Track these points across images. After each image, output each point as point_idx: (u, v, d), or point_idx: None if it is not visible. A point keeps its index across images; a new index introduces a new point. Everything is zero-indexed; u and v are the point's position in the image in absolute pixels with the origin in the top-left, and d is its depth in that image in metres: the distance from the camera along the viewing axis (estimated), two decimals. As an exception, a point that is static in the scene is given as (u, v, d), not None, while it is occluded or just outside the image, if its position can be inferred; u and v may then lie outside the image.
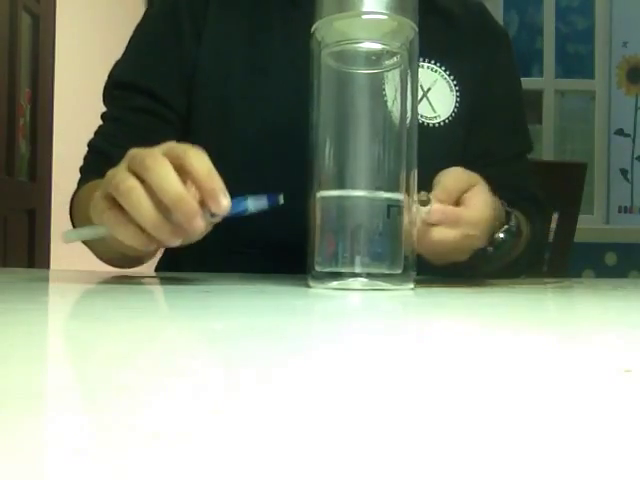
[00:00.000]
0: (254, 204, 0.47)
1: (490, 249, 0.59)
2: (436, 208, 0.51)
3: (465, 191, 0.54)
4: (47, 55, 2.28)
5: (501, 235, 0.60)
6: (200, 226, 0.45)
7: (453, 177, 0.54)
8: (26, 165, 2.21)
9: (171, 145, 0.47)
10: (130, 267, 0.68)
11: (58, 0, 2.29)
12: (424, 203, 0.51)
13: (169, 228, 0.44)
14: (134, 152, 0.46)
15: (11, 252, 2.07)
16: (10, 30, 2.02)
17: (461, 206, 0.53)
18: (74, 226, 0.70)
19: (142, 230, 0.44)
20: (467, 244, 0.54)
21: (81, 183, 0.71)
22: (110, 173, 0.46)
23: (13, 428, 0.13)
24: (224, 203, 0.44)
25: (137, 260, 0.64)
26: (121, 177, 0.45)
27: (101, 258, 0.67)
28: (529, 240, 0.69)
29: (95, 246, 0.64)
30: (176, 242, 0.46)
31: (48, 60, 2.29)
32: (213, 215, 0.45)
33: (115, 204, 0.45)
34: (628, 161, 2.85)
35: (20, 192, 2.15)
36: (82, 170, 0.74)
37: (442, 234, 0.52)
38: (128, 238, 0.45)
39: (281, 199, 0.48)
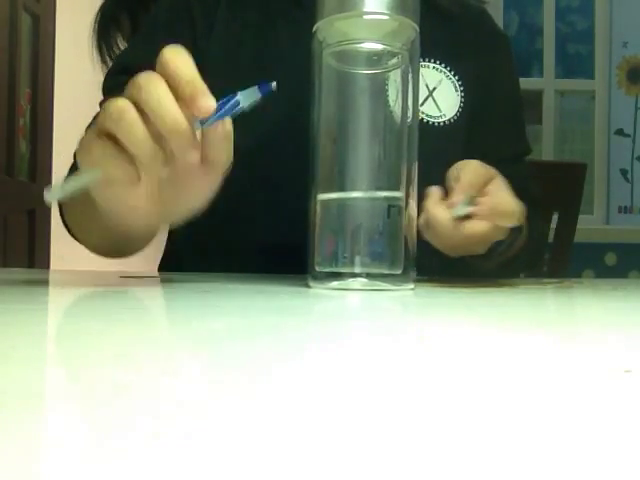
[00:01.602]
0: (245, 96, 0.43)
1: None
2: (484, 201, 0.51)
3: (486, 184, 0.54)
4: (47, 55, 2.28)
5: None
6: (195, 159, 0.41)
7: (474, 171, 0.53)
8: (26, 165, 2.21)
9: (161, 55, 0.42)
10: (123, 255, 0.65)
11: (58, 0, 2.29)
12: (473, 200, 0.51)
13: (162, 157, 0.41)
14: (132, 79, 0.43)
15: (11, 252, 2.07)
16: (10, 30, 2.02)
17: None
18: (66, 226, 0.68)
19: (131, 161, 0.41)
20: (493, 236, 0.54)
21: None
22: (106, 104, 0.42)
23: (13, 428, 0.13)
24: (208, 103, 0.40)
25: (128, 241, 0.60)
26: (114, 102, 0.41)
27: (93, 248, 0.65)
28: (527, 239, 0.69)
29: (87, 231, 0.61)
30: (164, 174, 0.42)
31: (48, 60, 2.29)
32: (203, 123, 0.41)
33: (108, 136, 0.41)
34: (628, 161, 2.85)
35: (20, 192, 2.15)
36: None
37: (475, 227, 0.51)
38: (116, 169, 0.41)
39: (273, 86, 0.43)
